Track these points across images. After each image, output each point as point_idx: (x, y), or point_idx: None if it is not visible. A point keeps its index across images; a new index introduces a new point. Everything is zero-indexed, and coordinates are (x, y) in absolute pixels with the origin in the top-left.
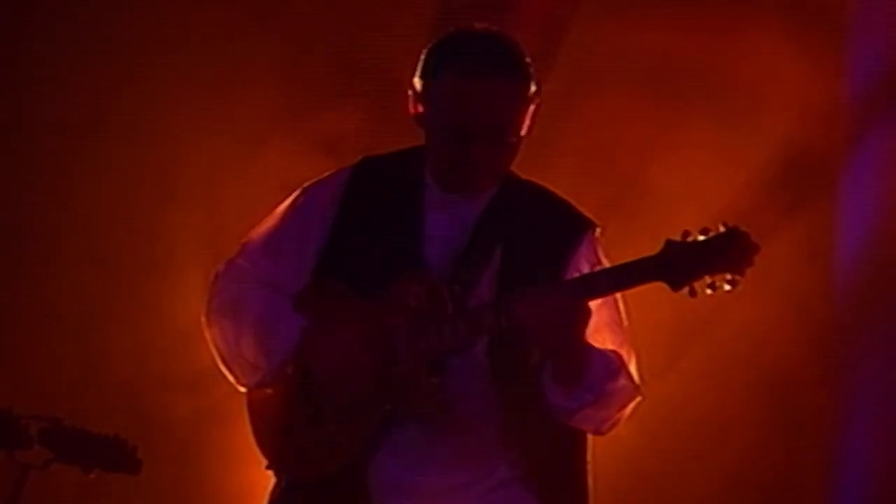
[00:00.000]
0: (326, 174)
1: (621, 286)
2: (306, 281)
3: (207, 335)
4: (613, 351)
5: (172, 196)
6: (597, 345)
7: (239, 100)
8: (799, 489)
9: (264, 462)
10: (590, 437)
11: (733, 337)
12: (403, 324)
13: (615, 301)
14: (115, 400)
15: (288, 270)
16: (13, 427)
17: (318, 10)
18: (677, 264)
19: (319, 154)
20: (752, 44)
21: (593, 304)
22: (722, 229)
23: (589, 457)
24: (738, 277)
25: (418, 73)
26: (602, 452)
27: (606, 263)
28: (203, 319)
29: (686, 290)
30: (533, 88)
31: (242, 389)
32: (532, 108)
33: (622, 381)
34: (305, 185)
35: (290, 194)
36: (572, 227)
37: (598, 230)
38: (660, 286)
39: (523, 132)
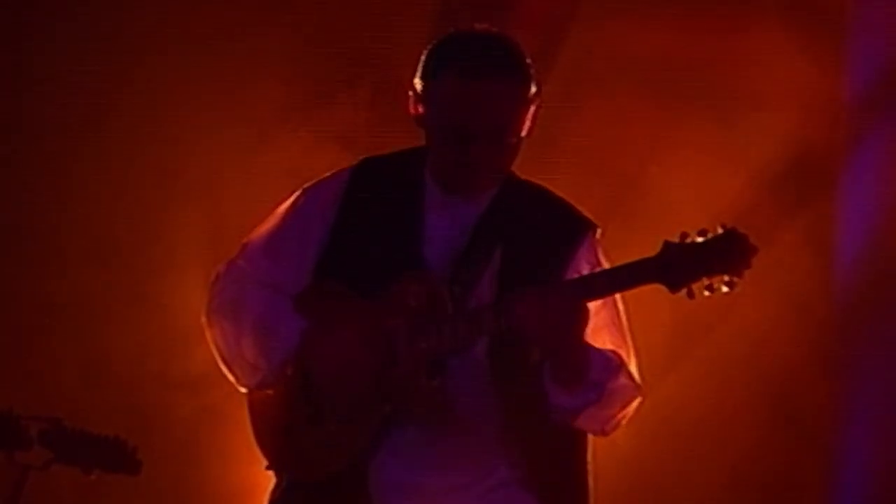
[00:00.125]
0: (327, 175)
1: (620, 287)
2: (307, 282)
3: (208, 336)
4: (613, 351)
5: (173, 196)
6: (597, 345)
7: (239, 99)
8: (799, 489)
9: (264, 462)
10: (590, 437)
11: (733, 337)
12: (403, 324)
13: (615, 302)
14: (115, 400)
15: (288, 271)
16: (13, 428)
17: (317, 9)
18: (675, 266)
19: (319, 155)
20: (752, 44)
21: (593, 305)
22: (720, 231)
23: (589, 457)
24: (735, 279)
25: (418, 73)
26: (602, 453)
27: (606, 265)
28: (203, 320)
29: (684, 291)
30: (533, 89)
31: (243, 390)
32: (532, 108)
33: (622, 380)
34: (306, 185)
35: (290, 194)
36: (572, 228)
37: (598, 231)
38: (659, 288)
39: (523, 133)
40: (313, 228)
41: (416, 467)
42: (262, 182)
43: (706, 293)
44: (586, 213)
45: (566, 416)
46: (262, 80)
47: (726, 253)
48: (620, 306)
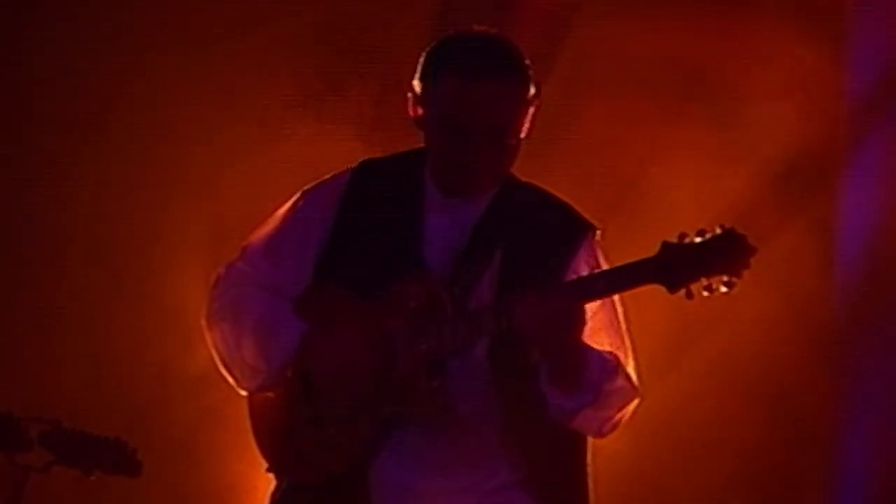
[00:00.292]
0: (326, 177)
1: (618, 288)
2: (307, 284)
3: (208, 338)
4: (611, 352)
5: (173, 196)
6: (595, 346)
7: (240, 99)
8: (799, 489)
9: (264, 464)
10: (590, 439)
11: (733, 338)
12: (403, 325)
13: (613, 303)
14: (115, 401)
15: (288, 273)
16: (13, 429)
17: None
18: (674, 266)
19: (319, 155)
20: (752, 45)
21: (591, 306)
22: (719, 231)
23: (589, 459)
24: (734, 279)
25: (417, 75)
26: (602, 454)
27: (606, 266)
28: (203, 322)
29: (683, 292)
30: (532, 90)
31: (243, 393)
32: (531, 109)
33: (620, 382)
34: (305, 188)
35: (293, 193)
36: (572, 230)
37: (597, 233)
38: (658, 288)
39: (523, 134)
40: (313, 230)
41: (417, 468)
42: (262, 182)
43: (705, 293)
44: (585, 215)
45: (562, 416)
46: (263, 79)
47: (725, 253)
48: (619, 308)
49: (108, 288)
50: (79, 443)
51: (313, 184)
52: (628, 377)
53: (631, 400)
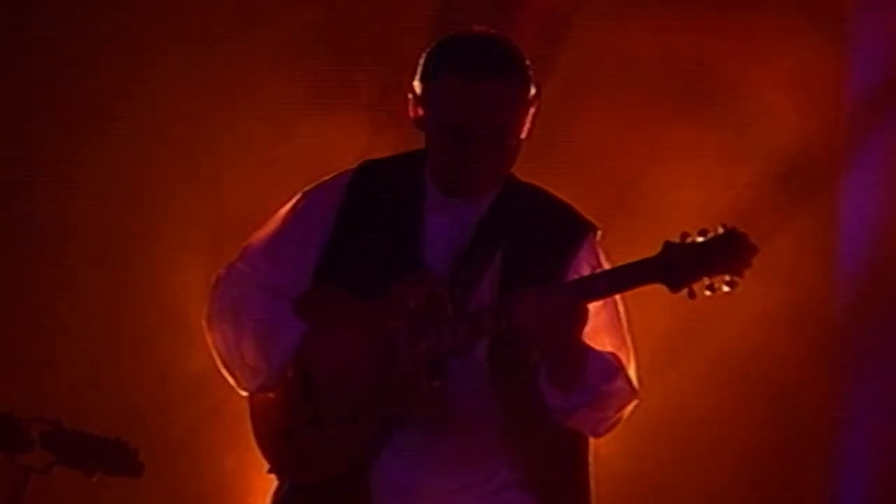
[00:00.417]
0: (326, 178)
1: (620, 288)
2: (307, 284)
3: (208, 339)
4: (612, 353)
5: (173, 196)
6: (596, 347)
7: (240, 98)
8: (799, 489)
9: (266, 465)
10: (591, 439)
11: (733, 338)
12: (404, 325)
13: (615, 303)
14: (116, 401)
15: (289, 274)
16: (14, 430)
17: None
18: (676, 266)
19: (321, 156)
20: (752, 45)
21: (593, 306)
22: (720, 231)
23: (590, 459)
24: (736, 279)
25: (417, 75)
26: (603, 454)
27: (607, 266)
28: (204, 323)
29: (685, 291)
30: (532, 91)
31: (243, 393)
32: (532, 110)
33: (619, 384)
34: (306, 189)
35: (292, 197)
36: (573, 230)
37: (598, 233)
38: (659, 288)
39: (523, 135)
40: (313, 231)
41: (417, 468)
42: (263, 182)
43: (707, 293)
44: (586, 215)
45: (559, 415)
46: (263, 79)
47: (727, 252)
48: (621, 308)
49: (108, 288)
50: (80, 443)
51: (313, 185)
52: (628, 379)
53: (630, 401)
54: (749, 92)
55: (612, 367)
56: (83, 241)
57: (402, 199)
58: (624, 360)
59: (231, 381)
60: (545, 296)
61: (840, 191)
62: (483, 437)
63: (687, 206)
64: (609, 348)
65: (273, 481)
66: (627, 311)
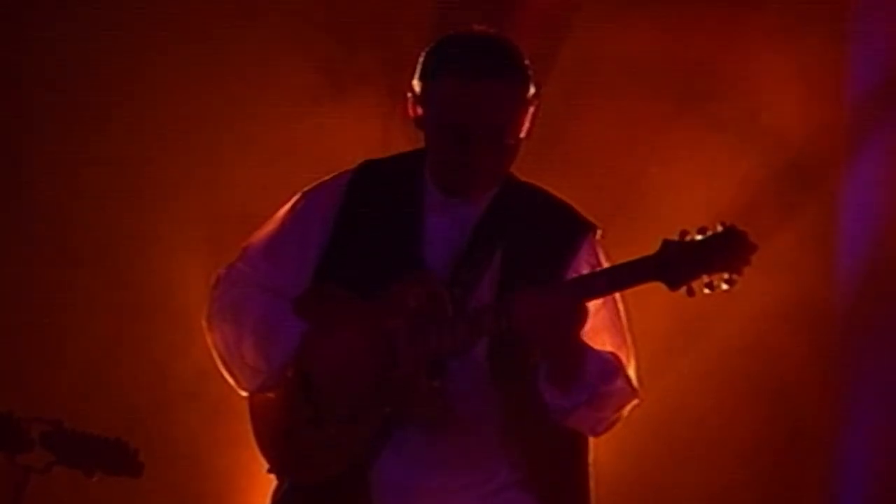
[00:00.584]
0: (326, 178)
1: (619, 286)
2: (307, 284)
3: (208, 339)
4: (612, 353)
5: (173, 196)
6: (596, 346)
7: (239, 100)
8: (799, 489)
9: (265, 465)
10: (591, 439)
11: (733, 337)
12: (404, 325)
13: (615, 303)
14: (116, 402)
15: (288, 274)
16: (14, 430)
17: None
18: (675, 264)
19: (320, 156)
20: (752, 45)
21: (593, 305)
22: (719, 229)
23: (590, 459)
24: (735, 277)
25: (417, 75)
26: (603, 454)
27: (607, 266)
28: (204, 323)
29: (684, 289)
30: (532, 90)
31: (243, 393)
32: (531, 110)
33: (619, 383)
34: (305, 189)
35: (294, 194)
36: (573, 230)
37: (598, 232)
38: (658, 286)
39: (522, 134)
40: (313, 231)
41: (417, 468)
42: (263, 183)
43: (706, 291)
44: (586, 215)
45: (558, 414)
46: (263, 78)
47: (726, 250)
48: (621, 307)
49: (108, 288)
50: (80, 443)
51: (313, 185)
52: (628, 379)
53: (629, 401)
54: (749, 92)
55: (611, 366)
56: (83, 241)
57: (401, 199)
58: (624, 359)
59: (231, 381)
60: (544, 295)
61: (840, 190)
62: (483, 437)
63: (687, 206)
64: (609, 347)
65: (273, 481)
66: (627, 311)
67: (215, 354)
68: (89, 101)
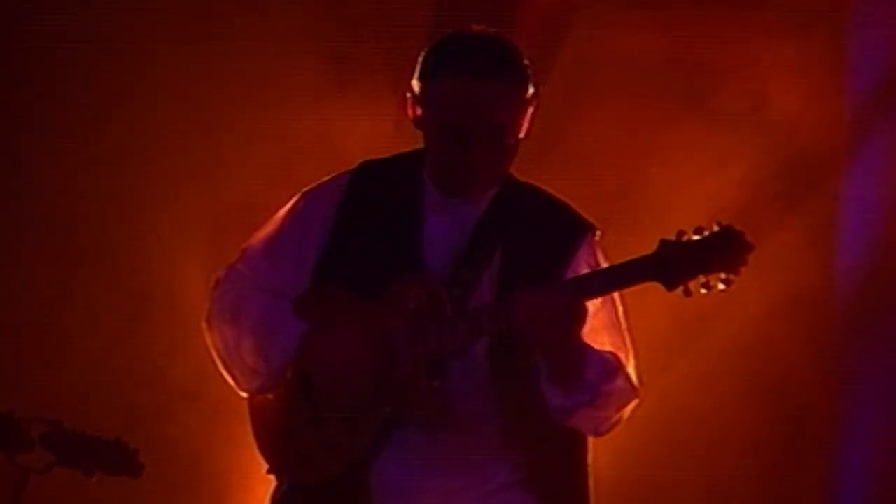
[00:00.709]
0: (325, 179)
1: (616, 286)
2: (306, 285)
3: (208, 340)
4: (611, 352)
5: (173, 196)
6: (595, 346)
7: (238, 99)
8: (799, 489)
9: (265, 465)
10: (590, 439)
11: (732, 337)
12: (403, 326)
13: (614, 303)
14: (116, 402)
15: (288, 275)
16: (14, 430)
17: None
18: (672, 264)
19: (320, 156)
20: (752, 44)
21: (592, 306)
22: (716, 228)
23: (590, 459)
24: (732, 277)
25: (416, 75)
26: (602, 454)
27: (606, 266)
28: (204, 325)
29: (681, 289)
30: (531, 90)
31: (243, 394)
32: (530, 110)
33: (619, 383)
34: (305, 189)
35: (293, 194)
36: (572, 230)
37: (597, 233)
38: (658, 287)
39: (521, 134)
40: (313, 232)
41: (417, 468)
42: (263, 183)
43: (703, 291)
44: (585, 215)
45: (560, 414)
46: (264, 78)
47: (723, 250)
48: (620, 308)
49: (108, 288)
50: (80, 443)
51: (312, 185)
52: (628, 378)
53: (630, 401)
54: (749, 91)
55: (611, 366)
56: (83, 241)
57: (401, 200)
58: (623, 359)
59: (231, 381)
60: (543, 294)
61: (841, 190)
62: (483, 437)
63: (687, 206)
64: (608, 348)
65: (272, 482)
66: (626, 311)
67: (215, 355)
68: (89, 101)
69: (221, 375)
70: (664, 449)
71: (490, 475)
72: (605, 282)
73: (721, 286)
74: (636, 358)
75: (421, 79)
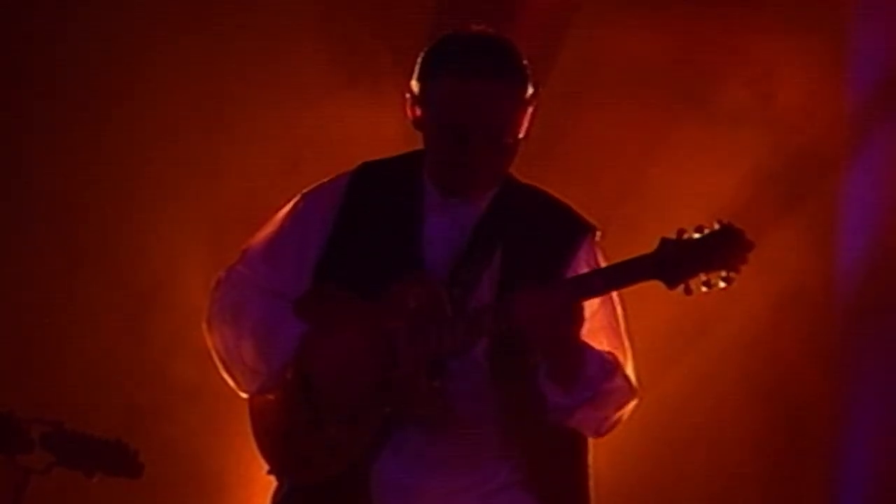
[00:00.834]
0: (325, 180)
1: (617, 285)
2: (307, 286)
3: (208, 341)
4: (610, 352)
5: (173, 197)
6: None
7: (239, 99)
8: (799, 489)
9: (265, 466)
10: (590, 439)
11: (732, 336)
12: (403, 326)
13: (612, 303)
14: (116, 402)
15: (288, 276)
16: (14, 431)
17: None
18: (672, 262)
19: (318, 156)
20: (752, 44)
21: (591, 306)
22: (716, 226)
23: (590, 459)
24: (733, 275)
25: (415, 75)
26: (602, 454)
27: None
28: (204, 326)
29: (681, 288)
30: (531, 90)
31: (243, 395)
32: (530, 110)
33: (618, 381)
34: (304, 190)
35: (294, 194)
36: (572, 231)
37: (597, 233)
38: (658, 286)
39: (521, 134)
40: (313, 233)
41: (417, 468)
42: (263, 183)
43: (704, 289)
44: (585, 215)
45: (560, 414)
46: (263, 78)
47: (723, 248)
48: (619, 308)
49: (108, 288)
50: (80, 444)
51: (312, 186)
52: (627, 377)
53: (629, 400)
54: (749, 91)
55: (609, 365)
56: (83, 241)
57: (401, 200)
58: (622, 359)
59: (231, 382)
60: (543, 294)
61: (841, 189)
62: (483, 437)
63: (687, 206)
64: (607, 348)
65: (272, 482)
66: (626, 311)
67: (215, 356)
68: (89, 100)
69: (221, 376)
70: (664, 449)
71: (490, 475)
72: (605, 280)
73: (722, 284)
74: (635, 359)
75: (420, 79)
